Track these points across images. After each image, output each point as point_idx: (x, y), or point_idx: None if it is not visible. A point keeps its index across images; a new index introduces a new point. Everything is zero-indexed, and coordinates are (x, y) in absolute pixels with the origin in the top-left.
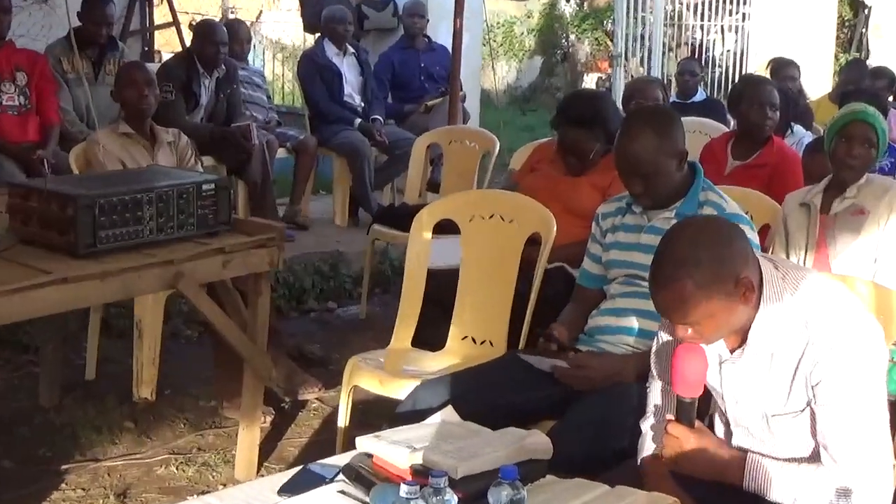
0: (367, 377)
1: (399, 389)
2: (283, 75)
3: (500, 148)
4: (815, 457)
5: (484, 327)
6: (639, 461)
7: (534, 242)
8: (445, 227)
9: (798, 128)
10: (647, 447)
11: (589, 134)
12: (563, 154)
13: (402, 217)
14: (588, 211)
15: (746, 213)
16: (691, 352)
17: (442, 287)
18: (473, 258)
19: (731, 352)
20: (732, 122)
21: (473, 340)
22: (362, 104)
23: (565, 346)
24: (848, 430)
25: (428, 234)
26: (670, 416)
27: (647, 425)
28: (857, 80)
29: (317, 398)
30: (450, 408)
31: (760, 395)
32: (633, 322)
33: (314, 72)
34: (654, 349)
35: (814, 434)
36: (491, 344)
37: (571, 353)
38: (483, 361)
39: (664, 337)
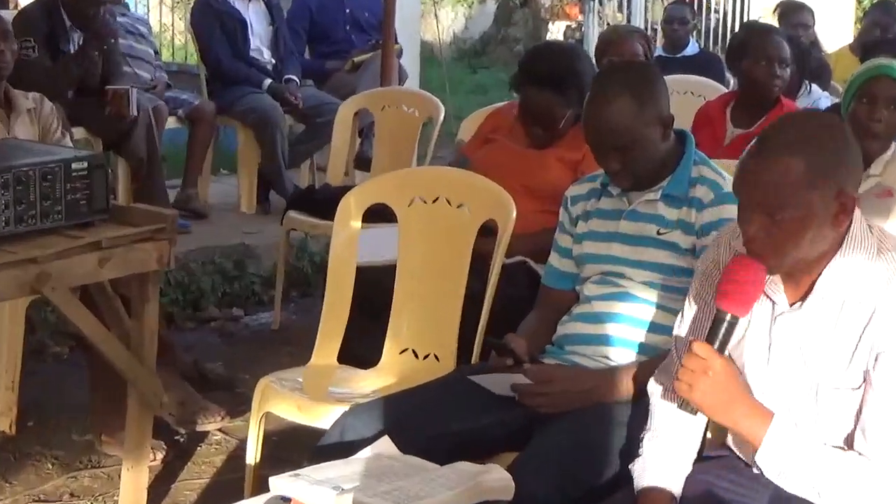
0: (283, 402)
1: (322, 417)
2: (172, 26)
3: (445, 115)
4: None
5: (427, 338)
6: (636, 491)
7: (489, 232)
8: (378, 214)
9: (814, 87)
10: (651, 473)
11: (558, 97)
12: (526, 122)
13: (323, 202)
14: (556, 192)
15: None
16: (753, 263)
17: (375, 289)
18: (414, 252)
19: (791, 304)
20: (732, 81)
21: (415, 354)
22: (273, 61)
23: (523, 361)
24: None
25: (357, 223)
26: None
27: (650, 443)
28: (885, 25)
29: (219, 429)
30: (386, 439)
31: (818, 360)
32: (613, 330)
33: (212, 21)
34: (699, 269)
35: (856, 420)
36: (437, 359)
37: (533, 367)
38: (427, 381)
39: (721, 250)
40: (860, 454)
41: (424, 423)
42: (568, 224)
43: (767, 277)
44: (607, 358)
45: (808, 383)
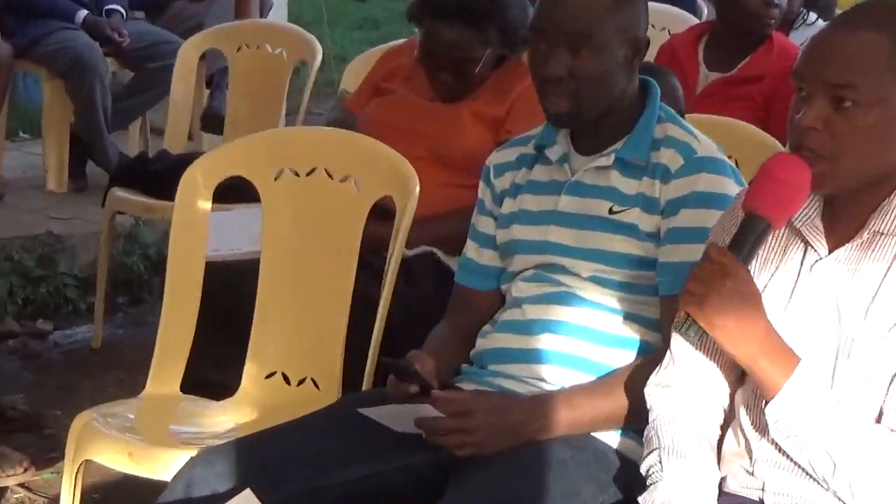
0: (108, 446)
1: (162, 465)
2: None
3: (323, 57)
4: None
5: (302, 358)
6: None
7: (384, 214)
8: (235, 192)
9: (813, 17)
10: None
11: (473, 33)
12: (430, 67)
13: (160, 175)
14: (472, 160)
15: (730, 158)
16: (799, 162)
17: (231, 292)
18: (283, 243)
19: (831, 251)
20: (706, 10)
21: (286, 380)
22: None
23: (431, 387)
24: None
25: (206, 204)
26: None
27: (671, 464)
28: None
29: (21, 484)
30: (248, 493)
31: (857, 314)
32: (551, 343)
33: None
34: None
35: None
36: (315, 385)
37: (445, 394)
38: (303, 414)
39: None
40: (894, 431)
41: (300, 471)
42: (490, 202)
43: (807, 203)
44: (543, 380)
45: (843, 336)
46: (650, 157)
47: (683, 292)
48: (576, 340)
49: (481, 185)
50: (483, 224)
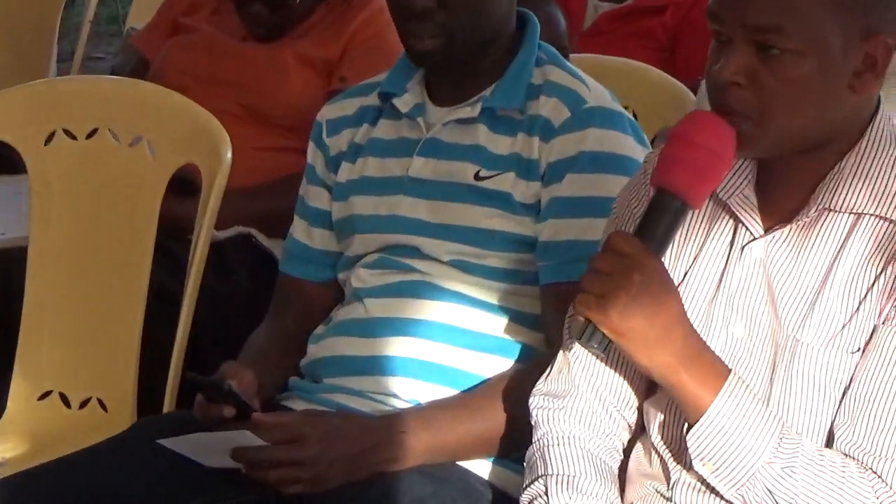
0: None
1: None
2: None
3: None
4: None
5: (86, 373)
6: None
7: (187, 187)
8: None
9: None
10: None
11: None
12: (258, 9)
13: None
14: (298, 116)
15: (626, 109)
16: (719, 122)
17: None
18: (57, 226)
19: (768, 230)
20: None
21: (64, 401)
22: None
23: (250, 408)
24: None
25: None
26: None
27: (560, 494)
28: None
29: None
30: None
31: (802, 304)
32: (402, 349)
33: None
34: (612, 216)
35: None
36: (103, 407)
37: (269, 417)
38: (88, 445)
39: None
40: (848, 457)
41: None
42: (322, 168)
43: (736, 170)
44: (392, 396)
45: (779, 344)
46: (527, 108)
47: (580, 295)
48: (434, 344)
49: (311, 146)
50: (314, 196)
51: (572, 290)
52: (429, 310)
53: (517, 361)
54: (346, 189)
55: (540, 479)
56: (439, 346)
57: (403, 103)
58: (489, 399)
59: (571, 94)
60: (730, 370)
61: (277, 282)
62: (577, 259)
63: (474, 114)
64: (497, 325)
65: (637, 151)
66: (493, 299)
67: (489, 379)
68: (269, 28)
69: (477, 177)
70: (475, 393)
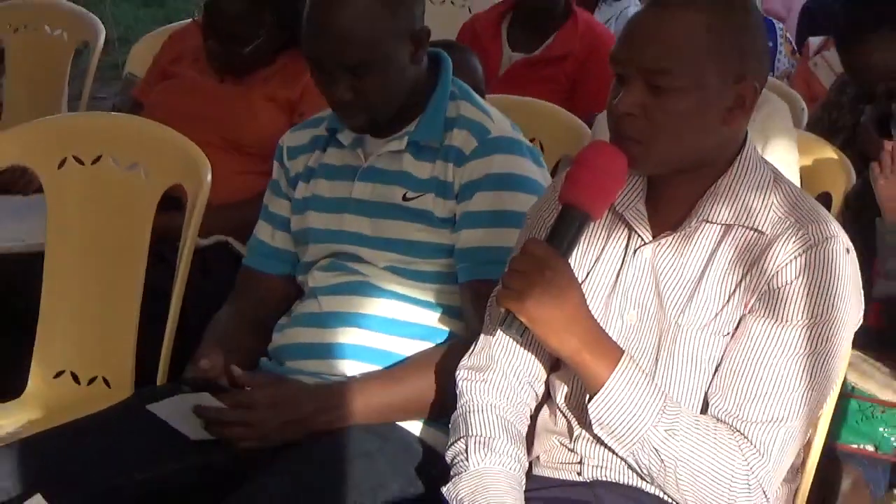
0: None
1: None
2: None
3: (107, 38)
4: None
5: (92, 356)
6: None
7: (175, 204)
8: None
9: None
10: (488, 490)
11: (248, 11)
12: (209, 40)
13: None
14: (266, 146)
15: (532, 141)
16: (614, 150)
17: (12, 287)
18: (68, 235)
19: (655, 237)
20: None
21: (75, 379)
22: None
23: (221, 387)
24: (783, 395)
25: None
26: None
27: (476, 454)
28: None
29: None
30: (37, 497)
31: (683, 297)
32: (350, 337)
33: None
34: (526, 223)
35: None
36: (107, 384)
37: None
38: (93, 412)
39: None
40: (720, 421)
41: (91, 471)
42: (285, 185)
43: (631, 188)
44: (342, 376)
45: (663, 329)
46: (444, 139)
47: (502, 289)
48: (377, 334)
49: (275, 165)
50: (277, 206)
51: (483, 286)
52: (371, 305)
53: (441, 345)
54: (303, 205)
55: (462, 440)
56: (380, 336)
57: (345, 136)
58: (413, 370)
59: (478, 126)
60: (623, 351)
61: (240, 273)
62: (487, 261)
63: (402, 146)
64: (427, 316)
65: (535, 172)
66: (423, 296)
67: (414, 355)
68: (224, 62)
69: (404, 198)
70: (403, 366)
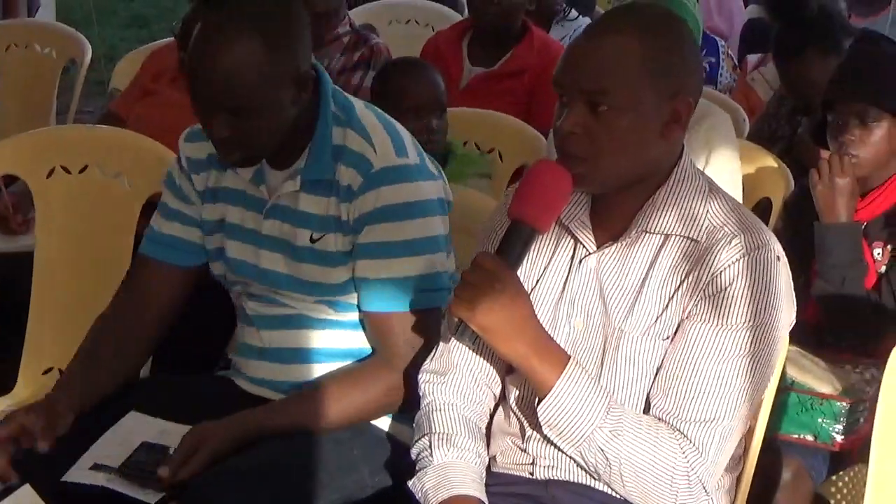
0: None
1: None
2: None
3: (93, 56)
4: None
5: None
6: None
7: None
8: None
9: (574, 13)
10: (450, 481)
11: None
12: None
13: None
14: None
15: (491, 151)
16: (558, 167)
17: (3, 286)
18: (57, 238)
19: (599, 246)
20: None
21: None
22: None
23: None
24: (721, 395)
25: None
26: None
27: (440, 448)
28: None
29: None
30: (27, 489)
31: (625, 306)
32: (303, 372)
33: None
34: (485, 228)
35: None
36: None
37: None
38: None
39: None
40: (661, 420)
41: (73, 462)
42: (188, 189)
43: (576, 202)
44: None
45: (608, 334)
46: (335, 173)
47: (455, 300)
48: (324, 364)
49: (176, 169)
50: (177, 205)
51: (377, 317)
52: (314, 338)
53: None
54: (216, 227)
55: (426, 437)
56: (328, 365)
57: (245, 170)
58: (331, 387)
59: (362, 162)
60: (569, 356)
61: (137, 264)
62: (379, 293)
63: (297, 186)
64: (362, 338)
65: (426, 191)
66: (357, 324)
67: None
68: None
69: (311, 239)
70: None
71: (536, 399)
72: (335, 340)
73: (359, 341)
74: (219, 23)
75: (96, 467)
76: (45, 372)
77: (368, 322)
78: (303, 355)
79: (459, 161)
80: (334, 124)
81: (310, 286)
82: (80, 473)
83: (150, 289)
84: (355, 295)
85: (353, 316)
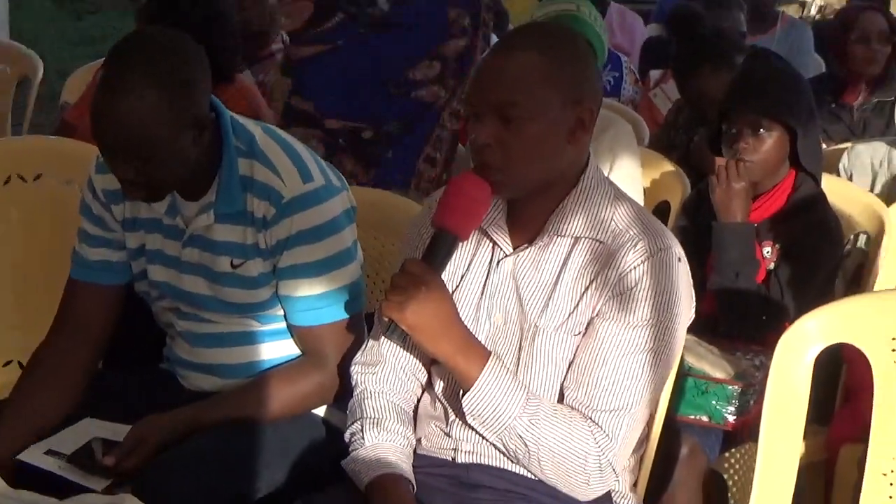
0: None
1: None
2: None
3: (44, 72)
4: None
5: (35, 347)
6: (364, 486)
7: None
8: None
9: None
10: (379, 462)
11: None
12: None
13: None
14: None
15: None
16: (477, 178)
17: None
18: (13, 239)
19: (516, 248)
20: None
21: (21, 366)
22: None
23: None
24: (628, 386)
25: None
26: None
27: (370, 431)
28: None
29: None
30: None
31: (540, 301)
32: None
33: None
34: (408, 234)
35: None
36: None
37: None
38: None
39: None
40: (574, 410)
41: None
42: (110, 219)
43: (493, 207)
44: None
45: (524, 330)
46: (246, 204)
47: (385, 302)
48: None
49: (89, 196)
50: (96, 231)
51: (303, 331)
52: (242, 353)
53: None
54: (139, 254)
55: (357, 421)
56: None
57: (160, 204)
58: (267, 385)
59: (272, 194)
60: (490, 353)
61: (71, 291)
62: (304, 310)
63: (211, 221)
64: (293, 345)
65: (336, 206)
66: (286, 331)
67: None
68: None
69: (232, 265)
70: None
71: (461, 391)
72: (266, 352)
73: (290, 348)
74: (119, 73)
75: (50, 452)
76: (6, 364)
77: (297, 334)
78: (236, 369)
79: None
80: (238, 156)
81: (235, 306)
82: (33, 454)
83: (85, 312)
84: (273, 310)
85: (282, 324)
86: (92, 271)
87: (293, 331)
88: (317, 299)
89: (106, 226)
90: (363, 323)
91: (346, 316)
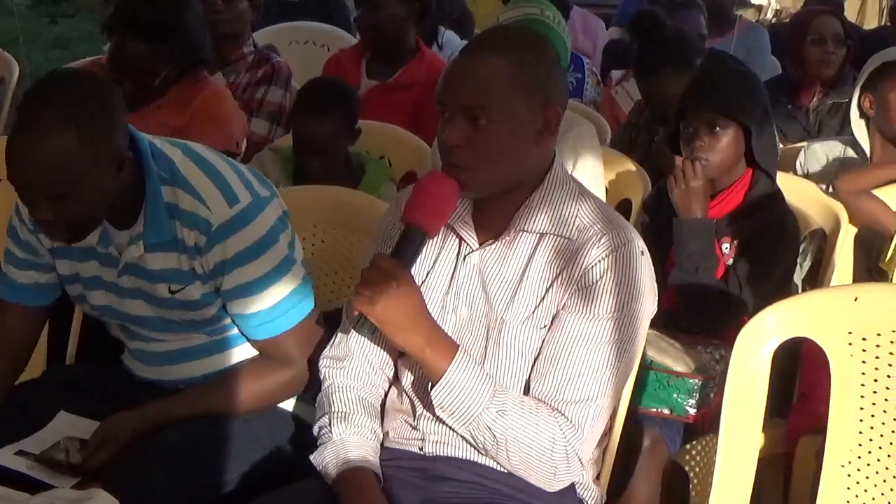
0: None
1: None
2: None
3: (20, 74)
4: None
5: None
6: (331, 479)
7: None
8: None
9: (450, 34)
10: (347, 455)
11: (157, 48)
12: (116, 76)
13: None
14: None
15: (382, 157)
16: (445, 178)
17: None
18: None
19: (482, 244)
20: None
21: None
22: None
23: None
24: (593, 378)
25: None
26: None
27: (338, 426)
28: None
29: None
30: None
31: (506, 297)
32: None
33: None
34: (378, 232)
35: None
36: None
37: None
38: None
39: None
40: (540, 401)
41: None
42: (38, 246)
43: (460, 204)
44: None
45: (494, 317)
46: (176, 231)
47: (356, 296)
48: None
49: (17, 221)
50: (24, 254)
51: (262, 343)
52: (197, 367)
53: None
54: (74, 279)
55: (326, 415)
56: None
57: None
58: (232, 381)
59: (201, 222)
60: (458, 346)
61: None
62: (258, 324)
63: (142, 251)
64: (248, 349)
65: (268, 218)
66: (238, 339)
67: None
68: (131, 101)
69: (170, 291)
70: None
71: (429, 384)
72: (222, 362)
73: (246, 352)
74: (36, 114)
75: (20, 453)
76: None
77: (258, 348)
78: (194, 382)
79: (375, 167)
80: (161, 184)
81: (181, 324)
82: (3, 456)
83: (10, 330)
84: (221, 323)
85: (234, 331)
86: (18, 292)
87: (254, 345)
88: (269, 312)
89: (34, 251)
90: (321, 317)
91: (302, 317)
